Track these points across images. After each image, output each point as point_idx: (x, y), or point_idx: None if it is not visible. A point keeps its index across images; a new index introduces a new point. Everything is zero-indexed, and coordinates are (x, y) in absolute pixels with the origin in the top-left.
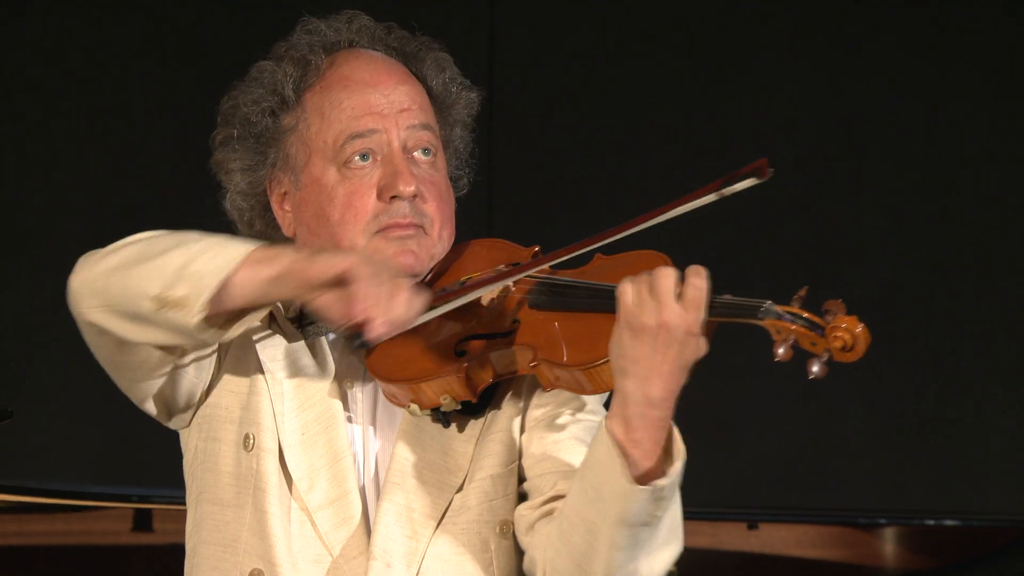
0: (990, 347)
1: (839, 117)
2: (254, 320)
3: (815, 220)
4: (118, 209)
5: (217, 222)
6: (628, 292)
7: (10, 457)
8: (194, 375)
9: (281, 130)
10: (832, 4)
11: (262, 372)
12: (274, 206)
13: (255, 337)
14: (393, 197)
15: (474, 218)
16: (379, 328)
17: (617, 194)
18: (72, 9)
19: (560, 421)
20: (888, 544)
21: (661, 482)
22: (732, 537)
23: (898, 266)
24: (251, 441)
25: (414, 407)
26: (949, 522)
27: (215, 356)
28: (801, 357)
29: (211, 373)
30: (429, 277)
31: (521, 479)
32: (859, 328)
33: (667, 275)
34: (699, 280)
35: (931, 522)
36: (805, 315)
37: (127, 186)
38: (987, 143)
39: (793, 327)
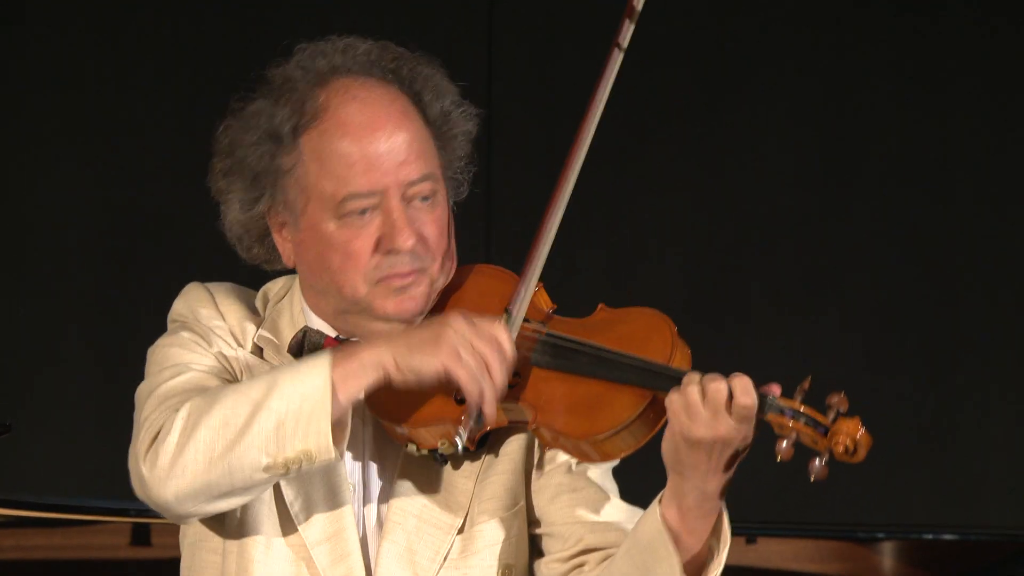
0: (989, 360)
1: (838, 128)
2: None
3: (814, 231)
4: (118, 222)
5: (215, 232)
6: (678, 405)
7: (9, 471)
8: None
9: (280, 171)
10: (832, 16)
11: None
12: (274, 235)
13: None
14: (390, 250)
15: (473, 230)
16: (492, 409)
17: (617, 204)
18: (71, 18)
19: (577, 467)
20: (886, 558)
21: (715, 573)
22: (730, 551)
23: (897, 278)
24: None
25: (412, 447)
26: (947, 536)
27: None
28: (802, 453)
29: None
30: (431, 307)
31: (533, 522)
32: (860, 433)
33: (720, 390)
34: (748, 399)
35: (929, 536)
36: (807, 413)
37: (128, 200)
38: (987, 154)
39: (793, 424)
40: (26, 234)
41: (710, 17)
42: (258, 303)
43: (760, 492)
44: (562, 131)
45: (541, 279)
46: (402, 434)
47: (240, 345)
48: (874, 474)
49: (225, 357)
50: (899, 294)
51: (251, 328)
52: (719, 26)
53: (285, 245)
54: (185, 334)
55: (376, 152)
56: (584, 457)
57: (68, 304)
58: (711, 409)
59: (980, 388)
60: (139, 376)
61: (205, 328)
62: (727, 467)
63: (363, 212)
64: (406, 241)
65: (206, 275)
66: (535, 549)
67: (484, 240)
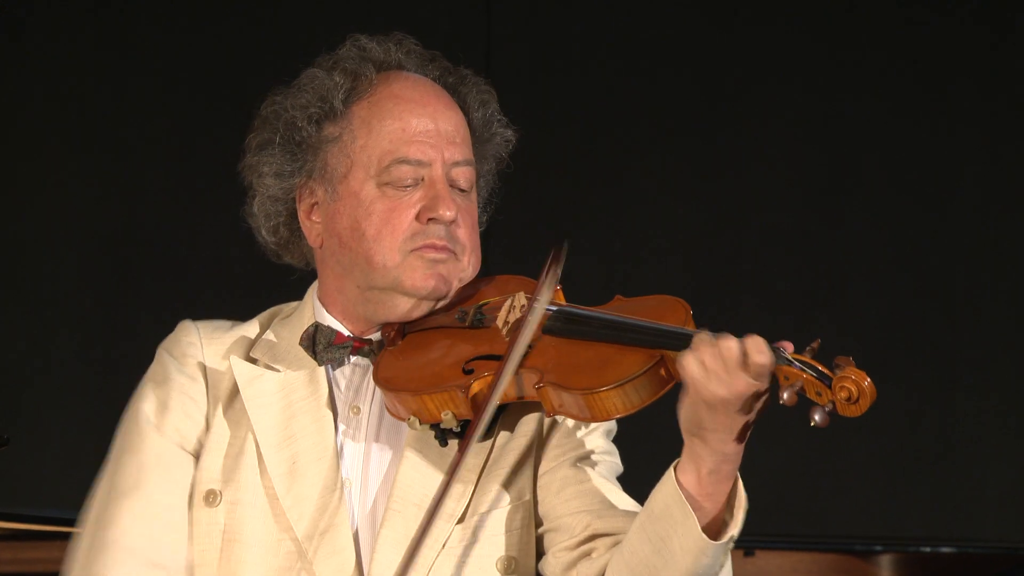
0: (987, 372)
1: (836, 139)
2: None
3: (811, 243)
4: (113, 237)
5: (209, 245)
6: (694, 366)
7: (6, 484)
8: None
9: (323, 139)
10: (831, 26)
11: (247, 418)
12: (301, 215)
13: (242, 386)
14: (431, 219)
15: None
16: None
17: (613, 214)
18: (70, 31)
19: (581, 461)
20: (884, 571)
21: (733, 532)
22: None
23: (895, 292)
24: (217, 497)
25: (414, 420)
26: (945, 549)
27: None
28: (804, 404)
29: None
30: (449, 302)
31: (538, 521)
32: (866, 383)
33: (733, 348)
34: (763, 357)
35: (927, 549)
36: (814, 364)
37: (122, 214)
38: (986, 165)
39: (802, 375)
40: (22, 247)
41: (709, 27)
42: (263, 317)
43: (759, 505)
44: (559, 141)
45: (559, 283)
46: (405, 406)
47: (224, 359)
48: (872, 487)
49: (195, 376)
50: (897, 307)
51: (243, 341)
52: (717, 36)
53: (313, 226)
54: (150, 391)
55: (426, 127)
56: (584, 416)
57: (64, 317)
58: (728, 368)
59: (978, 401)
60: (135, 386)
61: (180, 355)
62: (746, 427)
63: (406, 186)
64: (448, 210)
65: (202, 286)
66: (540, 549)
67: (482, 249)
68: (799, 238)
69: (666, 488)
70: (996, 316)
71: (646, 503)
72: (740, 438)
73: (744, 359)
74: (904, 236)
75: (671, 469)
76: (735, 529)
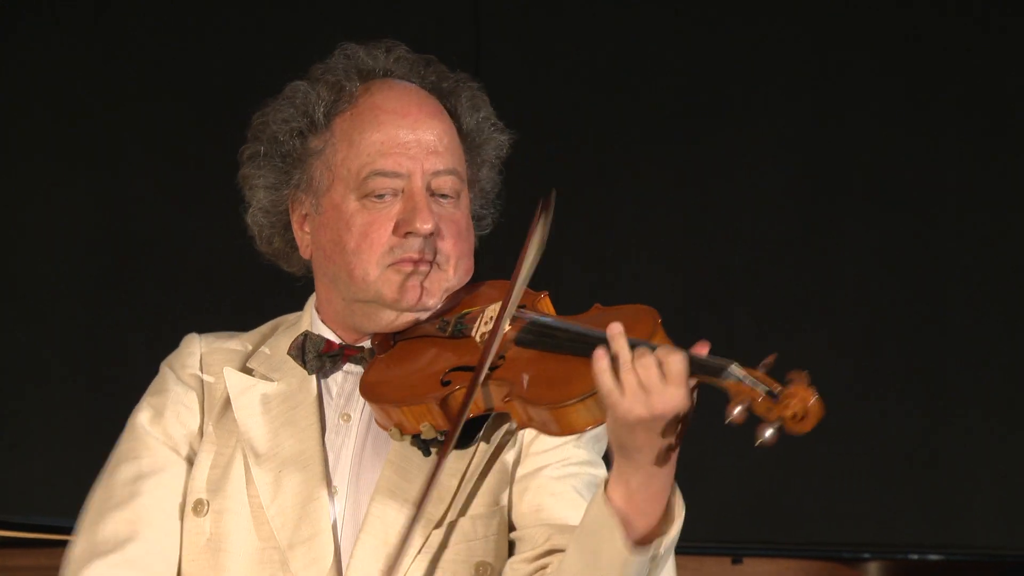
0: (975, 379)
1: (823, 149)
2: None
3: (800, 253)
4: (109, 243)
5: (204, 255)
6: (612, 389)
7: None
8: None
9: (308, 152)
10: (820, 35)
11: (236, 427)
12: (294, 226)
13: (233, 396)
14: (408, 233)
15: None
16: None
17: (601, 224)
18: (62, 37)
19: (558, 473)
20: None
21: (659, 542)
22: (716, 571)
23: (882, 298)
24: (205, 506)
25: (395, 431)
26: (934, 556)
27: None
28: (754, 422)
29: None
30: (438, 310)
31: (511, 527)
32: (812, 400)
33: (650, 365)
34: (677, 360)
35: (915, 556)
36: (762, 379)
37: (117, 220)
38: (975, 174)
39: (750, 391)
40: (14, 256)
41: (697, 34)
42: (265, 328)
43: (746, 512)
44: (549, 150)
45: (546, 289)
46: (387, 416)
47: (221, 370)
48: (860, 494)
49: (191, 385)
50: (886, 315)
51: (241, 351)
52: (705, 44)
53: (304, 237)
54: (148, 402)
55: (405, 138)
56: (549, 430)
57: (55, 325)
58: (646, 384)
59: (967, 408)
60: (127, 394)
61: (179, 367)
62: (672, 444)
63: (383, 196)
64: (424, 223)
65: (196, 296)
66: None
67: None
68: (787, 250)
69: (595, 504)
70: (985, 323)
71: (582, 517)
72: (664, 457)
73: (661, 370)
74: (893, 244)
75: (602, 483)
76: (666, 540)
